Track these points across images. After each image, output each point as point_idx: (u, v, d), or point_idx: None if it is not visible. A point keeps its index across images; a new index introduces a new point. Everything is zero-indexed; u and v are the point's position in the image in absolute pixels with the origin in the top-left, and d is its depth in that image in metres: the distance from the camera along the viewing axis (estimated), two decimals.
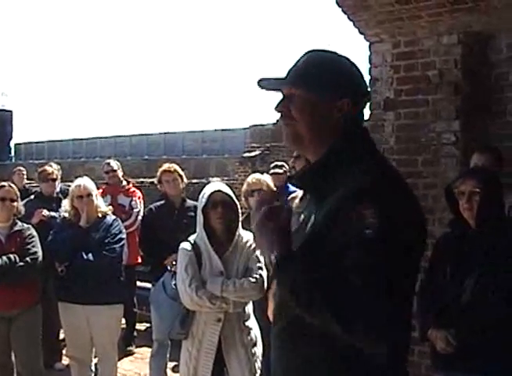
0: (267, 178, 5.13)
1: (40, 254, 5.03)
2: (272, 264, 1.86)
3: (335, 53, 2.06)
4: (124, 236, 5.21)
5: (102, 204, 5.29)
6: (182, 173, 5.90)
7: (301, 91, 1.99)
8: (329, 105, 1.97)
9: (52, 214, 6.22)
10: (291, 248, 1.87)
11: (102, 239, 5.03)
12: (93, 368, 5.35)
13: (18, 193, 5.21)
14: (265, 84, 2.07)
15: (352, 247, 1.75)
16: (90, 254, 4.91)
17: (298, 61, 2.04)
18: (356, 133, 2.02)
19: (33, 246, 5.02)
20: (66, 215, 5.20)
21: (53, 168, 6.89)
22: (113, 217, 5.28)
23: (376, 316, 1.70)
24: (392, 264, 1.74)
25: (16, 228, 5.07)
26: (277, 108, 2.04)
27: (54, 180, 6.71)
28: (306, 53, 2.05)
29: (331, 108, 1.97)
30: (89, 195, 5.08)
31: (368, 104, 2.13)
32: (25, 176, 9.14)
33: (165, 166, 5.97)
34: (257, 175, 5.19)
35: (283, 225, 1.91)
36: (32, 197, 6.73)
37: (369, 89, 2.09)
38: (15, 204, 5.11)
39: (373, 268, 1.72)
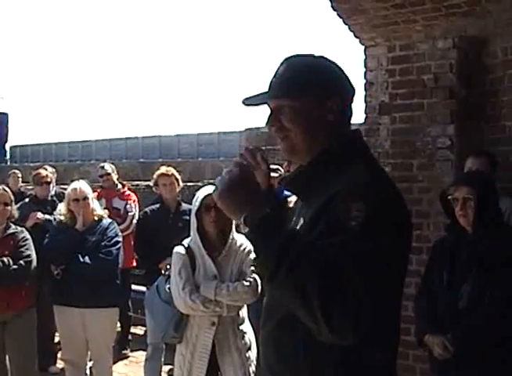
0: None
1: (34, 257, 5.02)
2: (247, 225, 1.77)
3: (311, 56, 2.04)
4: (120, 239, 5.21)
5: (98, 208, 5.29)
6: (178, 177, 5.91)
7: (288, 101, 1.96)
8: (318, 108, 1.95)
9: (47, 217, 6.20)
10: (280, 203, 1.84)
11: (98, 242, 5.03)
12: (88, 372, 5.33)
13: (12, 197, 5.20)
14: (250, 101, 2.04)
15: (335, 235, 1.73)
16: (87, 257, 4.91)
17: (277, 71, 2.01)
18: (348, 134, 2.01)
19: (26, 249, 5.01)
20: (62, 218, 5.20)
21: (47, 172, 6.88)
22: (109, 220, 5.28)
23: (353, 305, 1.65)
24: (372, 260, 1.71)
25: (10, 231, 5.06)
26: (268, 124, 2.01)
27: (48, 183, 6.70)
28: (283, 61, 2.02)
29: (321, 110, 1.95)
30: (85, 198, 5.07)
31: (355, 103, 2.09)
32: (20, 179, 9.13)
33: (162, 169, 5.97)
34: None
35: (266, 175, 1.90)
36: (26, 200, 6.71)
37: (353, 85, 2.05)
38: (8, 207, 5.10)
39: (354, 260, 1.69)
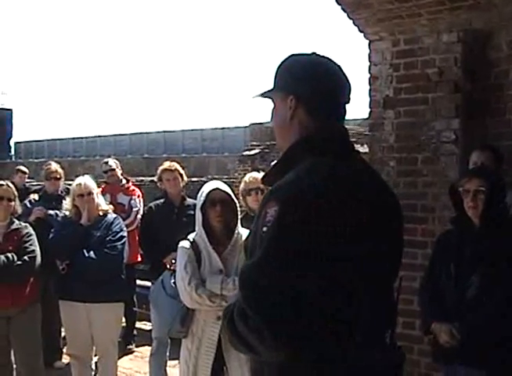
0: None
1: (38, 252, 5.03)
2: None
3: (307, 54, 2.08)
4: (125, 234, 5.21)
5: (103, 203, 5.30)
6: (182, 172, 5.90)
7: (272, 96, 2.10)
8: (283, 104, 2.02)
9: (50, 212, 6.19)
10: None
11: (103, 237, 5.04)
12: (93, 367, 5.34)
13: (16, 193, 5.21)
14: (258, 94, 2.16)
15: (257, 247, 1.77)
16: (91, 252, 4.92)
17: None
18: (310, 134, 1.97)
19: (30, 244, 5.02)
20: (68, 213, 5.20)
21: (57, 167, 6.88)
22: (114, 215, 5.28)
23: (256, 330, 1.69)
24: (281, 266, 1.69)
25: (14, 227, 5.07)
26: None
27: (57, 179, 6.68)
28: (284, 59, 2.11)
29: (285, 107, 2.01)
30: (90, 193, 5.08)
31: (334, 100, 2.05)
32: (26, 175, 9.15)
33: (166, 164, 5.97)
34: (255, 174, 5.14)
35: None
36: (36, 197, 6.68)
37: (330, 91, 2.01)
38: (12, 203, 5.11)
39: (256, 269, 1.72)
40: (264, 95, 2.13)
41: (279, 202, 1.74)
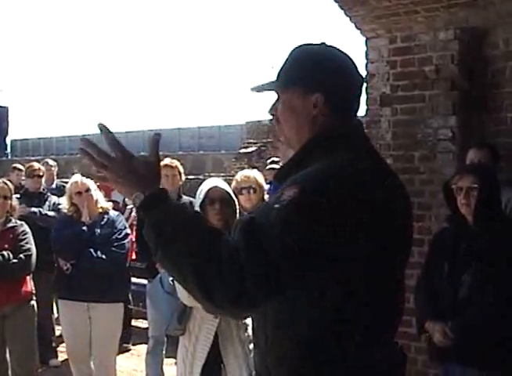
0: (257, 175, 5.00)
1: (34, 250, 5.01)
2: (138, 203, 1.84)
3: (316, 45, 1.98)
4: (129, 231, 5.19)
5: (102, 200, 5.25)
6: (182, 170, 5.85)
7: (282, 91, 1.96)
8: (304, 101, 1.90)
9: (33, 209, 6.17)
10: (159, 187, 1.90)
11: (108, 235, 4.99)
12: (92, 366, 5.30)
13: (12, 190, 5.20)
14: (259, 88, 2.06)
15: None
16: (99, 252, 4.87)
17: (285, 60, 1.99)
18: (328, 131, 1.89)
19: (26, 242, 5.01)
20: (66, 211, 5.16)
21: (40, 165, 6.88)
22: (116, 213, 5.26)
23: (235, 285, 1.62)
24: (285, 243, 1.62)
25: (10, 225, 5.06)
26: (269, 111, 2.02)
27: (40, 176, 6.68)
28: (292, 50, 1.98)
29: (307, 104, 1.89)
30: (88, 190, 5.05)
31: (356, 102, 1.97)
32: (23, 173, 9.13)
33: (167, 160, 5.91)
34: (247, 172, 5.06)
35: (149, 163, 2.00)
36: (17, 195, 6.66)
37: (356, 78, 1.96)
38: (8, 201, 5.09)
39: (260, 234, 1.64)
40: (268, 88, 2.03)
41: (300, 186, 1.68)
